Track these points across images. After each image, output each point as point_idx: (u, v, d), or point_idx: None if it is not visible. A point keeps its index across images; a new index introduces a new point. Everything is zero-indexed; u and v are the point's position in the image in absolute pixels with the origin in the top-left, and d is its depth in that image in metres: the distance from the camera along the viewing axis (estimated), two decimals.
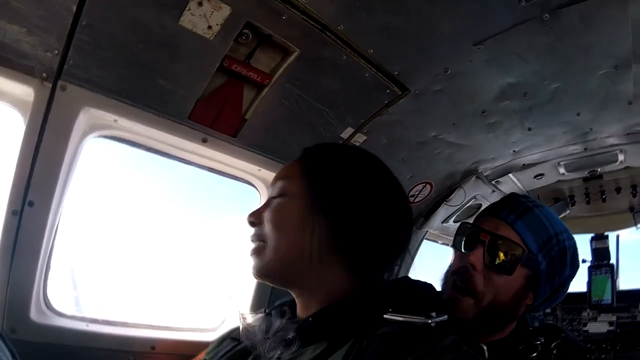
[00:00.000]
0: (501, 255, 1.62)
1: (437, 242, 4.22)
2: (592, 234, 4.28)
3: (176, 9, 1.78)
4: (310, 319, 1.18)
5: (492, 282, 1.62)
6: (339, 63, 2.15)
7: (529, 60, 2.25)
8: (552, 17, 1.94)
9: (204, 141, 2.30)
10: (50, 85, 1.85)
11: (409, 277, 1.36)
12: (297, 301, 1.31)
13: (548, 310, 4.17)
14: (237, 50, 2.08)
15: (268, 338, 1.21)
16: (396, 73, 2.28)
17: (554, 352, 1.58)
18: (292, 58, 2.13)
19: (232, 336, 1.43)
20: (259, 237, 1.27)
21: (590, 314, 4.12)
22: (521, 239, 1.63)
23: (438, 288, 1.81)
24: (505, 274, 1.60)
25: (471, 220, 1.86)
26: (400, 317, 1.09)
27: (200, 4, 1.77)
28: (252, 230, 1.31)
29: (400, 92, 2.41)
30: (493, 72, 2.33)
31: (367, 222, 1.23)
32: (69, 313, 2.26)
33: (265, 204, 1.32)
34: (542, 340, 1.61)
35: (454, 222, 3.89)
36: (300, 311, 1.29)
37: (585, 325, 4.09)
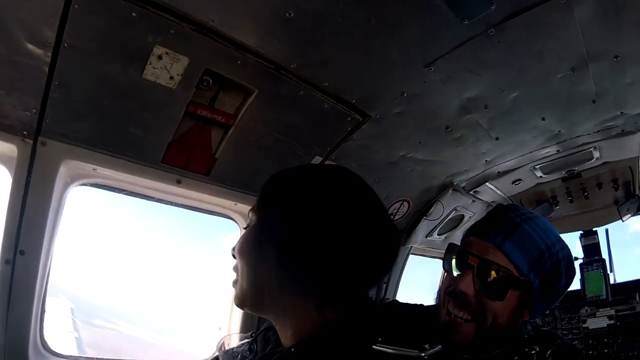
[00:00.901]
0: (490, 280, 1.58)
1: (424, 256, 4.26)
2: (581, 231, 4.33)
3: (138, 63, 1.96)
4: (293, 350, 1.12)
5: (487, 306, 1.59)
6: (297, 98, 2.30)
7: (482, 74, 2.35)
8: (498, 32, 2.04)
9: (179, 182, 2.47)
10: (32, 142, 2.03)
11: (398, 301, 1.35)
12: (278, 330, 1.27)
13: (546, 312, 4.13)
14: (201, 96, 2.24)
15: None
16: (354, 101, 2.42)
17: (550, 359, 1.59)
18: (252, 97, 2.29)
19: None
20: (235, 269, 1.27)
21: (589, 310, 4.14)
22: (510, 261, 1.59)
23: (430, 302, 1.84)
24: (497, 300, 1.58)
25: (456, 232, 1.88)
26: (391, 349, 1.01)
27: (160, 57, 1.95)
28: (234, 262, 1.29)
29: (361, 119, 2.55)
30: (449, 89, 2.44)
31: (327, 244, 1.11)
32: (65, 353, 2.39)
33: None
34: (537, 349, 1.61)
35: (438, 234, 3.97)
36: (281, 339, 1.25)
37: (584, 322, 4.11)
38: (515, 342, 1.66)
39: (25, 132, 2.01)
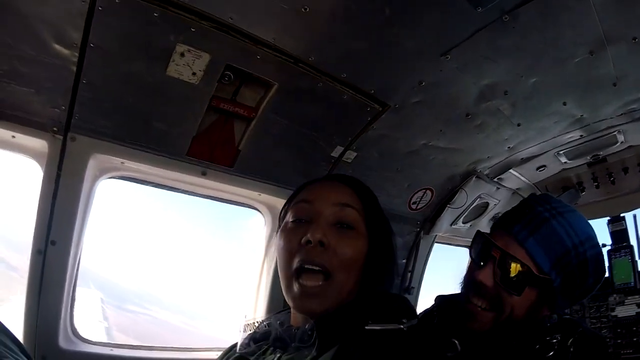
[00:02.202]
0: (509, 274, 1.62)
1: (449, 244, 4.28)
2: (608, 217, 4.19)
3: (162, 61, 2.07)
4: (313, 325, 1.26)
5: (505, 298, 1.63)
6: (316, 90, 2.39)
7: (499, 61, 2.38)
8: (512, 18, 2.06)
9: (204, 174, 2.57)
10: (62, 138, 2.16)
11: (386, 292, 1.44)
12: (303, 317, 1.35)
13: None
14: (223, 90, 2.34)
15: (279, 342, 1.34)
16: (373, 92, 2.49)
17: (571, 349, 1.58)
18: (273, 91, 2.38)
19: (233, 349, 1.50)
20: (324, 263, 1.31)
21: (617, 298, 4.02)
22: (531, 258, 1.61)
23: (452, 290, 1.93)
24: (514, 294, 1.62)
25: (481, 220, 1.92)
26: (378, 326, 1.20)
27: (182, 54, 2.05)
28: (311, 250, 1.32)
29: (380, 108, 2.61)
30: (467, 77, 2.49)
31: (392, 262, 1.49)
32: (95, 339, 2.53)
33: (328, 224, 1.37)
34: (559, 337, 1.60)
35: (463, 222, 3.99)
36: (299, 322, 1.36)
37: (613, 310, 4.00)
38: (536, 330, 1.65)
39: (55, 129, 2.13)
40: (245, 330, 1.45)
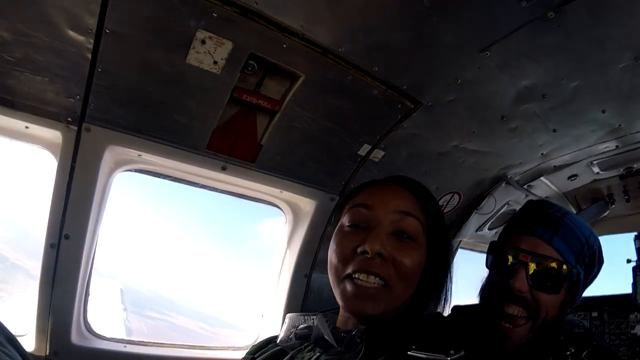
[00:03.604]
0: (546, 275, 1.57)
1: (473, 250, 4.05)
2: (635, 233, 3.95)
3: (182, 48, 1.86)
4: (363, 333, 1.18)
5: (541, 301, 1.57)
6: (345, 83, 2.15)
7: (540, 61, 2.15)
8: (558, 15, 1.85)
9: (224, 169, 2.36)
10: (76, 128, 1.98)
11: (439, 314, 1.35)
12: (352, 320, 1.29)
13: (595, 314, 3.94)
14: (246, 81, 2.13)
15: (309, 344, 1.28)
16: (405, 87, 2.24)
17: None
18: (298, 83, 2.15)
19: (273, 341, 1.45)
20: (382, 275, 1.21)
21: (638, 316, 3.79)
22: (561, 255, 1.59)
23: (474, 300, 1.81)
24: (554, 293, 1.57)
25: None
26: (423, 354, 1.08)
27: (203, 42, 1.83)
28: (368, 260, 1.22)
29: (412, 106, 2.37)
30: (505, 76, 2.25)
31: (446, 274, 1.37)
32: (108, 335, 2.39)
33: (387, 233, 1.26)
34: (573, 350, 1.57)
35: (489, 229, 3.76)
36: (346, 324, 1.30)
37: (633, 328, 3.78)
38: (551, 343, 1.63)
39: (69, 119, 1.96)
40: (288, 323, 1.40)
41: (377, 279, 1.20)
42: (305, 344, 1.31)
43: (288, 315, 1.43)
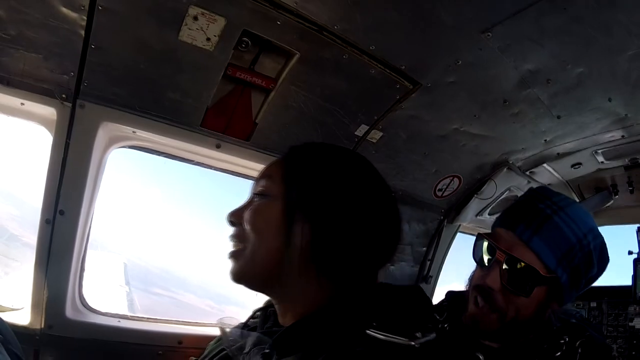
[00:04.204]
0: (516, 277, 1.55)
1: (473, 235, 4.01)
2: (638, 225, 3.92)
3: (174, 25, 1.86)
4: (284, 331, 1.12)
5: (512, 300, 1.56)
6: (341, 62, 2.13)
7: (545, 44, 2.10)
8: None
9: (218, 147, 2.37)
10: (70, 105, 2.00)
11: (392, 285, 1.22)
12: (277, 308, 1.24)
13: (594, 305, 3.96)
14: (241, 58, 2.12)
15: (246, 352, 1.15)
16: (403, 67, 2.22)
17: (579, 350, 1.54)
18: (293, 61, 2.14)
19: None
20: (238, 238, 1.19)
21: (637, 309, 3.80)
22: (538, 257, 1.55)
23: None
24: (523, 296, 1.55)
25: None
26: (383, 335, 0.99)
27: (195, 18, 1.82)
28: (232, 230, 1.22)
29: (411, 87, 2.34)
30: (507, 59, 2.20)
31: (348, 229, 1.14)
32: (102, 310, 2.44)
33: (247, 202, 1.23)
34: (567, 339, 1.57)
35: (489, 214, 3.73)
36: (279, 318, 1.24)
37: (631, 320, 3.78)
38: (544, 332, 1.63)
39: (64, 95, 1.98)
40: (226, 331, 1.26)
41: (235, 243, 1.19)
42: (247, 350, 1.17)
43: (224, 322, 1.29)
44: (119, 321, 2.45)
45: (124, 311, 2.66)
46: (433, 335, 1.02)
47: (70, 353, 2.28)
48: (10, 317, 2.12)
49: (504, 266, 1.56)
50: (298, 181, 1.18)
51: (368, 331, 1.00)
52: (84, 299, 2.39)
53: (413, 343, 0.98)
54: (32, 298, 2.16)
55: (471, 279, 1.73)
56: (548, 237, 1.55)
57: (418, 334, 1.00)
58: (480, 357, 1.60)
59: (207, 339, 2.46)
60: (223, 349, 1.28)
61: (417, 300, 1.19)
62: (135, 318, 2.57)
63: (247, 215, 1.17)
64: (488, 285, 1.57)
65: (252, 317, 1.38)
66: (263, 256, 1.14)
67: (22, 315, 2.18)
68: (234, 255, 1.19)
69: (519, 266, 1.55)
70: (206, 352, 1.43)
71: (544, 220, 1.57)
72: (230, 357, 1.21)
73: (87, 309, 2.39)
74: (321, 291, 1.15)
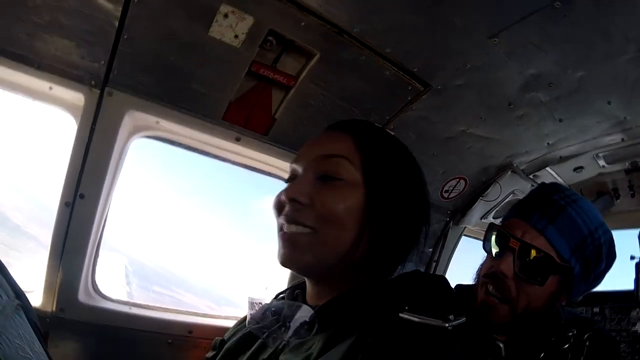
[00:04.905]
0: (531, 265, 1.60)
1: (477, 239, 4.09)
2: None
3: (205, 20, 2.00)
4: (324, 305, 1.16)
5: (524, 289, 1.62)
6: (358, 63, 2.28)
7: (547, 50, 2.24)
8: (564, 4, 1.93)
9: (238, 140, 2.50)
10: (99, 92, 2.12)
11: (421, 272, 1.28)
12: (311, 289, 1.27)
13: (596, 310, 4.02)
14: (264, 56, 2.26)
15: (282, 323, 1.19)
16: (416, 70, 2.37)
17: (587, 343, 1.61)
18: (314, 60, 2.28)
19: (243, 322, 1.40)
20: (304, 222, 1.15)
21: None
22: (552, 246, 1.61)
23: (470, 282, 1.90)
24: (537, 285, 1.61)
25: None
26: (417, 317, 1.02)
27: (226, 15, 1.97)
28: (289, 209, 1.18)
29: (422, 88, 2.49)
30: (513, 64, 2.35)
31: (409, 226, 1.23)
32: (113, 297, 2.53)
33: (310, 179, 1.20)
34: (575, 331, 1.65)
35: (494, 217, 3.82)
36: (311, 298, 1.27)
37: (634, 325, 3.82)
38: (552, 325, 1.68)
39: (93, 82, 2.09)
40: (252, 308, 1.31)
41: (300, 226, 1.15)
42: (273, 328, 1.22)
43: (251, 299, 1.34)
44: (130, 308, 2.54)
45: None
46: (464, 318, 1.04)
47: (80, 337, 2.35)
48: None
49: (518, 254, 1.62)
50: (379, 174, 1.20)
51: (401, 314, 1.03)
52: (96, 284, 2.46)
53: (447, 325, 1.00)
54: (45, 280, 2.24)
55: (479, 270, 1.82)
56: (562, 226, 1.63)
57: (451, 317, 1.02)
58: (501, 345, 1.64)
59: (217, 329, 2.59)
60: (245, 330, 1.35)
61: (444, 287, 1.26)
62: (146, 306, 2.65)
63: (324, 197, 1.15)
64: (501, 271, 1.63)
65: (276, 298, 1.42)
66: (340, 245, 1.15)
67: (33, 297, 2.24)
68: (300, 240, 1.16)
69: (533, 254, 1.61)
70: (230, 332, 1.48)
71: (559, 211, 1.65)
72: (254, 335, 1.26)
73: (99, 294, 2.47)
74: (361, 276, 1.22)
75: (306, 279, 1.30)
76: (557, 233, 1.62)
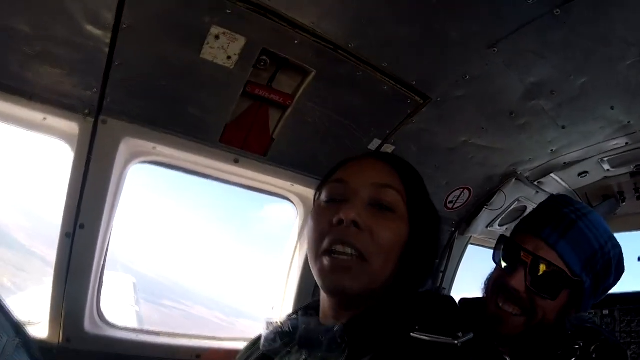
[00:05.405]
0: (543, 279, 1.58)
1: (483, 247, 4.10)
2: None
3: (196, 43, 1.97)
4: (347, 325, 1.14)
5: (537, 303, 1.59)
6: (355, 79, 2.25)
7: (548, 57, 2.22)
8: (563, 11, 1.91)
9: (236, 161, 2.47)
10: (93, 120, 2.09)
11: (433, 292, 1.32)
12: (330, 309, 1.24)
13: (606, 312, 4.00)
14: (259, 76, 2.23)
15: (299, 343, 1.20)
16: (414, 83, 2.34)
17: (593, 355, 1.57)
18: (310, 78, 2.25)
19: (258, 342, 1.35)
20: (359, 246, 1.14)
21: None
22: (564, 261, 1.58)
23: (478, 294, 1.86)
24: (549, 299, 1.58)
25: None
26: (427, 336, 1.03)
27: (217, 37, 1.94)
28: (345, 231, 1.15)
29: (421, 101, 2.46)
30: (513, 72, 2.32)
31: (435, 254, 1.31)
32: (120, 324, 2.50)
33: (363, 204, 1.19)
34: (581, 344, 1.60)
35: (500, 225, 3.81)
36: (326, 317, 1.25)
37: None
38: (559, 337, 1.65)
39: (86, 111, 2.07)
40: (268, 328, 1.29)
41: (353, 250, 1.13)
42: (288, 349, 1.23)
43: (266, 319, 1.33)
44: (137, 335, 2.52)
45: None
46: (472, 334, 1.06)
47: None
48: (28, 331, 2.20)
49: (530, 269, 1.58)
50: (419, 212, 1.25)
51: (412, 334, 1.04)
52: (102, 312, 2.44)
53: (456, 342, 1.02)
54: (50, 312, 2.22)
55: (488, 283, 1.78)
56: (573, 241, 1.59)
57: (459, 334, 1.04)
58: (507, 358, 1.63)
59: (225, 353, 2.54)
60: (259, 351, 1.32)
61: (451, 306, 1.26)
62: (153, 332, 2.62)
63: (380, 227, 1.17)
64: (513, 286, 1.59)
65: (289, 318, 1.37)
66: (384, 275, 1.17)
67: (39, 329, 2.23)
68: (352, 267, 1.15)
69: (545, 269, 1.57)
70: (242, 355, 1.45)
71: (570, 226, 1.62)
72: (268, 356, 1.26)
73: (105, 323, 2.44)
74: (379, 298, 1.20)
75: (334, 300, 1.24)
76: (569, 247, 1.59)
